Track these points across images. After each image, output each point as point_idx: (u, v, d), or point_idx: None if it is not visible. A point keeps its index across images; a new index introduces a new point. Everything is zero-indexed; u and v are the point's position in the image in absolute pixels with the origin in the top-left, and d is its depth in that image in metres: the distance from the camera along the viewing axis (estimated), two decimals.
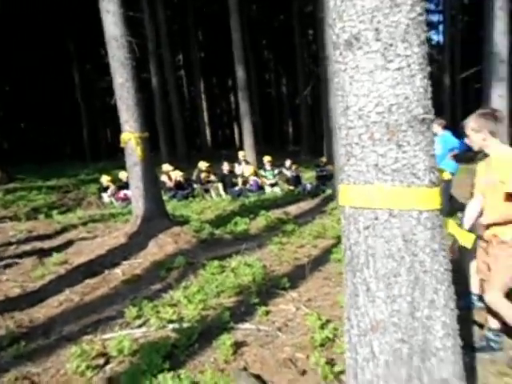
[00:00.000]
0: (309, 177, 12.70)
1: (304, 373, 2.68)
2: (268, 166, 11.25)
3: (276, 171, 11.34)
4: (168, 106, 21.14)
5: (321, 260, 5.06)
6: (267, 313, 3.56)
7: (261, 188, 10.69)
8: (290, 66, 27.76)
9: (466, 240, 1.90)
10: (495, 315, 3.00)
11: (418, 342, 1.49)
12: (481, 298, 3.59)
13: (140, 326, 3.39)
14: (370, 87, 1.42)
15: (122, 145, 5.75)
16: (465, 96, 24.98)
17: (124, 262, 5.09)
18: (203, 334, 3.17)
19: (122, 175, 9.85)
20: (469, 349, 3.02)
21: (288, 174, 11.55)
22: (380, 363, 1.53)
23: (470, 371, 2.79)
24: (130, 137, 5.65)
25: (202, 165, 10.60)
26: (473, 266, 3.58)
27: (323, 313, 3.43)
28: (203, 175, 10.46)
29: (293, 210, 8.25)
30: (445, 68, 21.58)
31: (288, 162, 11.64)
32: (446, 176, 4.84)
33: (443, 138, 6.29)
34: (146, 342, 3.10)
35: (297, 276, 4.38)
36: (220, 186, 10.29)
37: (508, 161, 2.68)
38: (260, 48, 31.87)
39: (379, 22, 1.37)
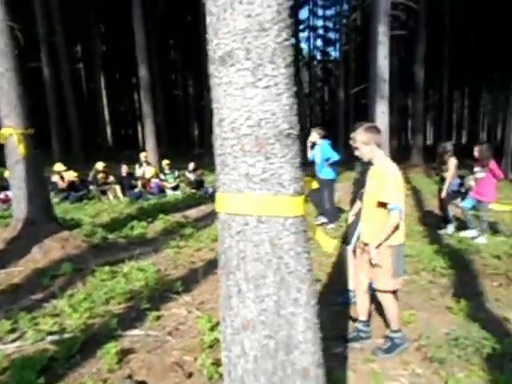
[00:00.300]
0: (211, 180, 12.80)
1: (190, 375, 2.73)
2: (167, 170, 11.08)
3: (176, 174, 11.21)
4: (63, 101, 19.60)
5: (216, 263, 5.14)
6: (158, 318, 3.53)
7: (162, 191, 10.48)
8: (196, 67, 27.65)
9: (327, 246, 2.11)
10: (364, 307, 3.37)
11: (283, 337, 1.63)
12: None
13: (14, 341, 3.11)
14: (241, 102, 1.52)
15: (0, 141, 5.21)
16: (357, 109, 27.42)
17: (0, 271, 4.61)
18: (87, 344, 3.04)
19: (7, 174, 8.86)
20: (342, 340, 3.36)
21: (191, 177, 11.51)
22: (249, 359, 1.64)
23: (342, 360, 3.12)
24: (11, 132, 5.14)
25: (99, 165, 10.05)
26: (351, 267, 3.99)
27: (215, 315, 3.50)
28: (100, 176, 9.91)
29: (193, 213, 8.25)
30: (340, 82, 23.45)
31: (191, 165, 11.59)
32: (314, 185, 5.29)
33: (321, 147, 6.77)
34: (19, 357, 2.86)
35: (191, 279, 4.41)
36: (118, 188, 9.86)
37: (386, 173, 3.01)
38: (167, 48, 31.22)
39: (249, 43, 1.48)
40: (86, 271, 4.49)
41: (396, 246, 3.04)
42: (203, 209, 8.69)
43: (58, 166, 9.61)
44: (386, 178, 2.97)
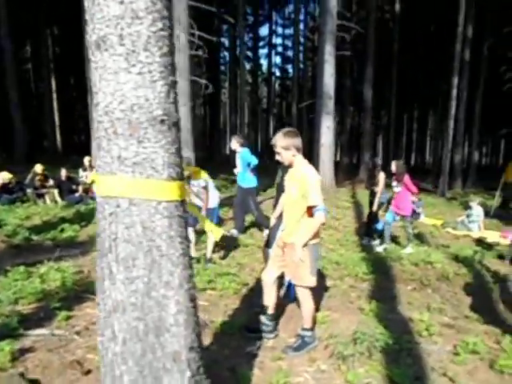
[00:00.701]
0: None
1: (88, 372, 2.67)
2: None
3: None
4: (8, 102, 18.73)
5: None
6: (68, 317, 3.43)
7: None
8: None
9: (216, 234, 2.18)
10: (270, 301, 3.46)
11: (153, 319, 1.66)
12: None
13: None
14: (115, 86, 1.56)
15: None
16: (311, 124, 28.20)
17: None
18: None
19: None
20: (245, 330, 3.45)
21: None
22: (119, 341, 1.65)
23: (250, 357, 3.17)
24: None
25: (38, 168, 9.64)
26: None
27: None
28: (38, 179, 9.51)
29: None
30: (294, 97, 24.09)
31: None
32: (203, 175, 5.33)
33: (241, 155, 6.94)
34: None
35: None
36: (56, 191, 9.49)
37: (307, 176, 3.11)
38: None
39: (123, 29, 1.53)
40: None
41: (315, 245, 3.17)
42: None
43: None
44: (308, 181, 3.08)
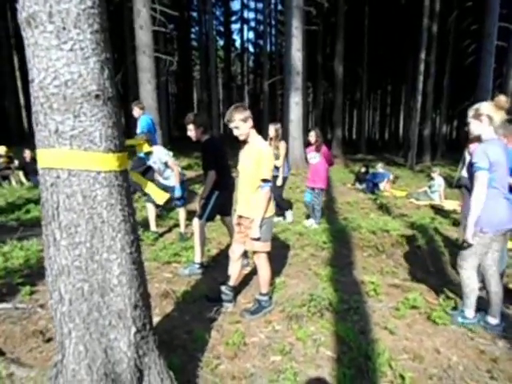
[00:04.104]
0: None
1: (49, 340, 2.80)
2: None
3: None
4: None
5: None
6: (32, 292, 3.53)
7: None
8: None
9: (159, 197, 2.30)
10: (233, 274, 3.65)
11: (97, 280, 1.80)
12: (202, 266, 4.42)
13: None
14: (47, 63, 1.64)
15: None
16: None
17: None
18: None
19: None
20: (206, 299, 3.65)
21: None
22: (65, 302, 1.78)
23: (209, 322, 3.36)
24: None
25: (1, 149, 9.46)
26: (199, 240, 4.29)
27: None
28: (2, 161, 9.34)
29: None
30: (265, 73, 24.01)
31: None
32: (146, 148, 5.36)
33: (141, 120, 7.08)
34: None
35: None
36: (21, 173, 9.36)
37: (262, 151, 3.24)
38: None
39: (51, 7, 1.60)
40: None
41: (267, 218, 3.34)
42: None
43: None
44: (263, 156, 3.23)
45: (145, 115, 7.07)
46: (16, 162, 9.62)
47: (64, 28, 1.63)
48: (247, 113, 3.29)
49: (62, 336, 1.80)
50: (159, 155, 5.36)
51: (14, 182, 9.25)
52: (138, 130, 6.92)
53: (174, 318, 3.37)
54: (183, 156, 15.36)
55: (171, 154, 5.58)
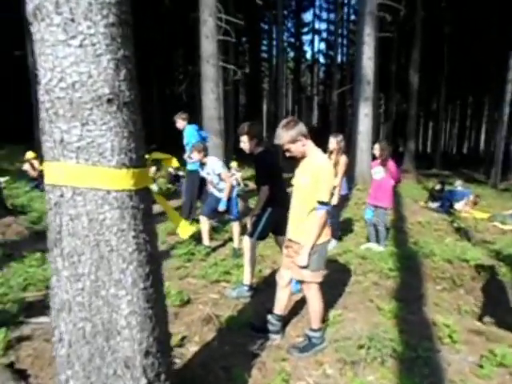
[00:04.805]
0: None
1: None
2: None
3: (154, 168, 11.16)
4: None
5: (160, 255, 5.07)
6: None
7: None
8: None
9: (183, 230, 1.98)
10: (281, 302, 3.25)
11: (102, 320, 1.50)
12: (251, 288, 4.03)
13: None
14: (53, 61, 1.40)
15: None
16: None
17: None
18: None
19: None
20: (249, 326, 3.28)
21: (172, 171, 11.41)
22: (64, 343, 1.52)
23: (252, 357, 2.98)
24: None
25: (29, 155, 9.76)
26: (250, 261, 3.93)
27: None
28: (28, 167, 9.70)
29: (155, 208, 8.16)
30: (335, 83, 23.36)
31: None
32: (175, 164, 5.13)
33: (186, 131, 6.75)
34: None
35: None
36: None
37: (323, 169, 2.83)
38: None
39: None
40: (15, 257, 4.36)
41: (320, 245, 2.92)
42: (172, 203, 8.55)
43: (29, 155, 9.44)
44: (322, 173, 2.81)
45: (190, 125, 6.81)
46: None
47: (73, 20, 1.37)
48: (295, 130, 2.82)
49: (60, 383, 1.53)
50: (213, 166, 5.14)
51: None
52: (185, 142, 6.76)
53: (213, 349, 3.04)
54: (247, 166, 15.22)
55: (235, 164, 5.37)
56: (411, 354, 2.94)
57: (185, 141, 6.72)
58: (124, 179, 1.49)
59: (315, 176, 2.82)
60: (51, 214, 1.50)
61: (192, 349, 3.03)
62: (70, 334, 1.50)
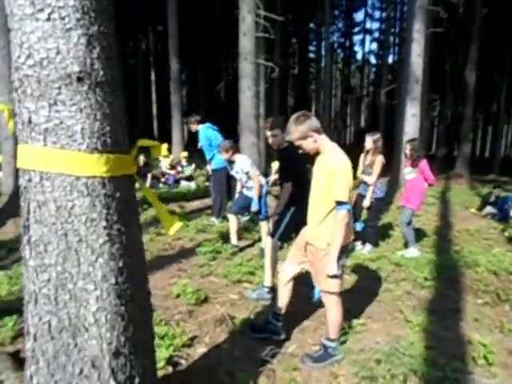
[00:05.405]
0: None
1: None
2: (184, 162, 11.27)
3: (193, 166, 11.28)
4: None
5: (186, 252, 5.04)
6: None
7: (177, 182, 10.54)
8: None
9: (169, 226, 1.84)
10: (282, 300, 3.06)
11: (69, 315, 1.40)
12: (272, 290, 3.78)
13: None
14: (21, 37, 1.31)
15: None
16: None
17: None
18: None
19: None
20: (249, 328, 3.12)
21: (209, 169, 11.50)
22: (30, 337, 1.43)
23: (261, 364, 2.80)
24: (3, 108, 5.28)
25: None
26: (270, 262, 3.73)
27: None
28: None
29: (194, 204, 8.20)
30: (384, 83, 22.51)
31: None
32: (164, 152, 4.84)
33: (201, 133, 6.55)
34: None
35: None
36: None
37: (337, 166, 2.60)
38: None
39: None
40: None
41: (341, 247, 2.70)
42: (207, 201, 8.54)
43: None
44: (336, 171, 2.59)
45: (204, 126, 6.60)
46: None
47: None
48: (306, 125, 2.61)
49: (25, 380, 1.45)
50: (241, 165, 5.02)
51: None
52: (199, 145, 6.67)
53: (222, 352, 2.90)
54: None
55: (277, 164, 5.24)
56: (438, 373, 2.63)
57: (199, 144, 6.62)
58: (96, 165, 1.39)
59: (329, 174, 2.60)
60: (21, 199, 1.43)
61: (200, 350, 2.91)
62: (36, 328, 1.41)
